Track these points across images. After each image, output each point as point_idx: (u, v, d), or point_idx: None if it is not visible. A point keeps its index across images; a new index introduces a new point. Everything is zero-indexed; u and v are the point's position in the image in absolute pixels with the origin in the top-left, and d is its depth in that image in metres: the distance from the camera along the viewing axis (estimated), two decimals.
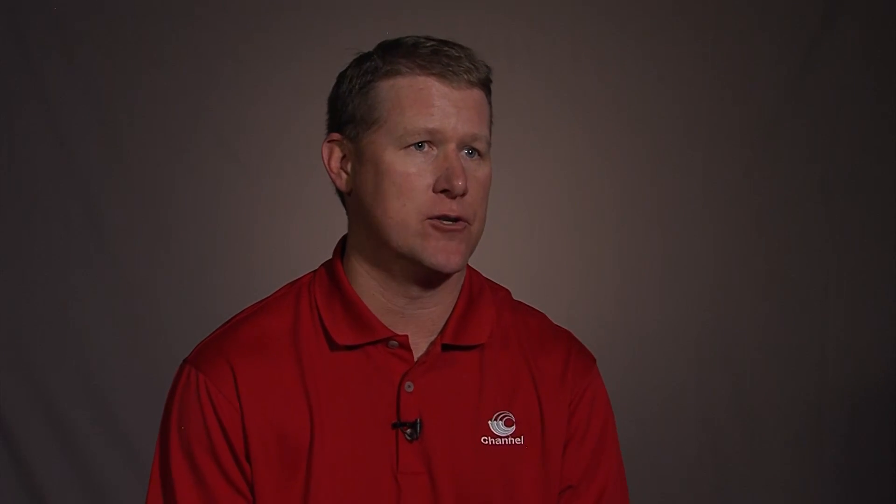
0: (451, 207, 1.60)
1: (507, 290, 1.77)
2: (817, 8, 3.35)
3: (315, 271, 1.72)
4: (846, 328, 3.37)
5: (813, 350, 3.36)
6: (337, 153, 1.68)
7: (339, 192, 1.70)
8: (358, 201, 1.65)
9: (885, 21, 3.38)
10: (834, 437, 3.36)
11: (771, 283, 3.35)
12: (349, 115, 1.65)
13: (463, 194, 1.60)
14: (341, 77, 1.68)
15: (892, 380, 3.38)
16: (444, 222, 1.60)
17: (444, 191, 1.60)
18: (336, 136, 1.67)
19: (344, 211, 1.71)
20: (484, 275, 1.76)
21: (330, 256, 1.72)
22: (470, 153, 1.63)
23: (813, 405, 3.35)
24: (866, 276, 3.38)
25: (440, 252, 1.60)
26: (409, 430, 1.63)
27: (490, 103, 1.67)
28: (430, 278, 1.63)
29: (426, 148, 1.61)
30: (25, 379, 3.07)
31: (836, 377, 3.36)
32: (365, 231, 1.65)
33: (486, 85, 1.65)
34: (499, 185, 2.85)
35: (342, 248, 1.70)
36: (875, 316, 3.38)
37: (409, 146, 1.60)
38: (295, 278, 1.73)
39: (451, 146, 1.61)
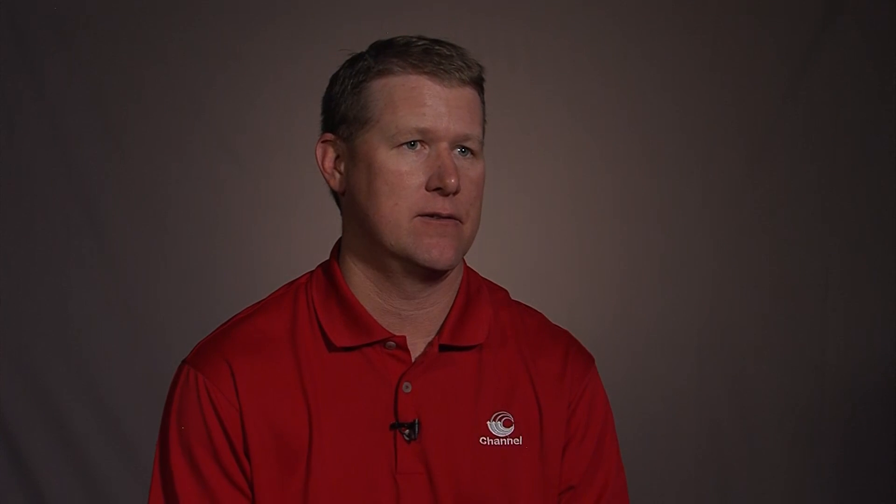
0: (443, 206, 1.59)
1: (505, 291, 1.77)
2: (817, 8, 3.35)
3: (312, 272, 1.72)
4: (846, 328, 3.37)
5: (812, 350, 3.36)
6: (330, 153, 1.68)
7: (334, 193, 1.70)
8: (352, 201, 1.65)
9: (885, 21, 3.38)
10: (833, 438, 3.35)
11: (771, 283, 3.35)
12: (342, 115, 1.65)
13: (455, 192, 1.60)
14: (334, 78, 1.68)
15: (892, 380, 3.38)
16: (434, 219, 1.60)
17: (436, 189, 1.59)
18: (329, 136, 1.67)
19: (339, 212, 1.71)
20: (483, 275, 1.76)
21: (328, 257, 1.72)
22: (463, 152, 1.63)
23: (812, 405, 3.35)
24: (866, 275, 3.38)
25: (433, 248, 1.60)
26: (407, 431, 1.63)
27: (483, 102, 1.67)
28: (426, 277, 1.63)
29: (418, 147, 1.61)
30: (25, 379, 3.07)
31: (835, 377, 3.36)
32: (359, 231, 1.64)
33: (478, 83, 1.65)
34: (499, 185, 2.87)
35: (338, 249, 1.70)
36: (875, 316, 3.38)
37: (401, 145, 1.60)
38: (293, 279, 1.73)
39: (444, 145, 1.61)
